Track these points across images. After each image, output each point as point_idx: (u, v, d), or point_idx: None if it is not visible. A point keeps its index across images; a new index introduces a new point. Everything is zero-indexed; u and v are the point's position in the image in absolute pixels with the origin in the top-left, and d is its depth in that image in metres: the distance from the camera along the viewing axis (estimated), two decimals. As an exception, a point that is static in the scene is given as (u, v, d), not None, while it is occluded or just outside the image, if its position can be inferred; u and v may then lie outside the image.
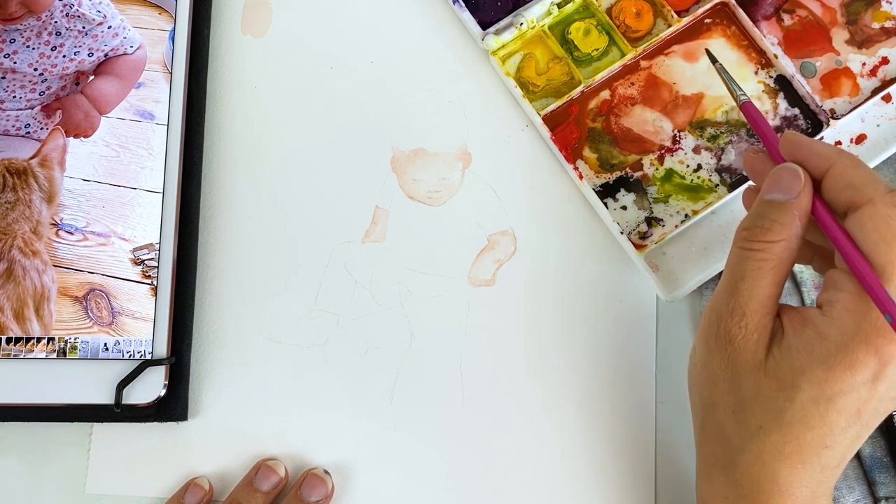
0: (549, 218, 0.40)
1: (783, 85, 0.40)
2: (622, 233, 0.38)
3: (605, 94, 0.41)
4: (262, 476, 0.36)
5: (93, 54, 0.41)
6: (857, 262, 0.28)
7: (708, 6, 0.41)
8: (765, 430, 0.29)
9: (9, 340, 0.37)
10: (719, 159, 0.40)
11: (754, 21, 0.41)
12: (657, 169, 0.40)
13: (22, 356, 0.37)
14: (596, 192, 0.39)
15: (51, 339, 0.37)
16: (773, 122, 0.40)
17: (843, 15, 0.41)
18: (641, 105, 0.41)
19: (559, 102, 0.40)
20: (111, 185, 0.39)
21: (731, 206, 0.39)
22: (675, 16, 0.41)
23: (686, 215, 0.39)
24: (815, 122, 0.40)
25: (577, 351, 0.39)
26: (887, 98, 0.40)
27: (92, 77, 0.41)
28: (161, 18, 0.41)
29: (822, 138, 0.39)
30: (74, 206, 0.39)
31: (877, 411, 0.29)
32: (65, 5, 0.41)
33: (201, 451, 0.38)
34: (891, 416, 0.37)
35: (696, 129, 0.40)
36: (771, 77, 0.40)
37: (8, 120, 0.40)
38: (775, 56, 0.40)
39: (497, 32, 0.40)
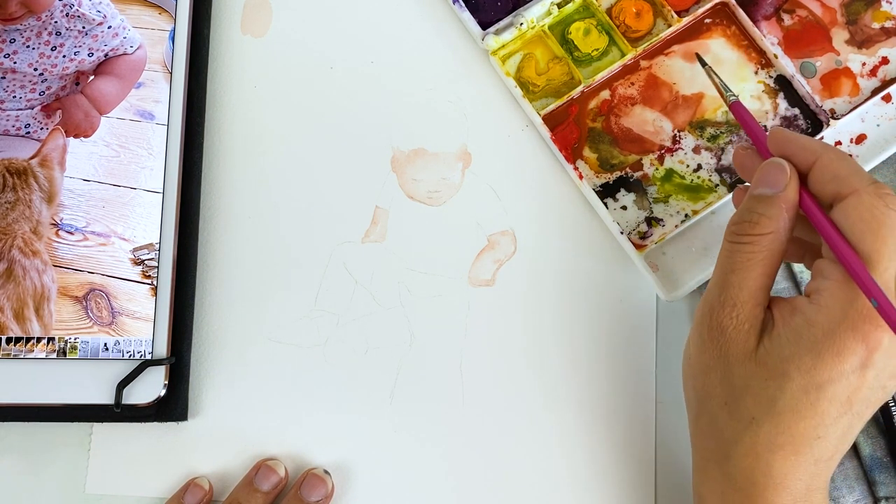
0: (549, 218, 0.40)
1: (783, 85, 0.40)
2: (622, 233, 0.38)
3: (605, 94, 0.41)
4: (262, 476, 0.36)
5: (93, 54, 0.41)
6: (843, 249, 0.28)
7: (708, 6, 0.41)
8: (757, 421, 0.29)
9: (9, 340, 0.37)
10: (719, 159, 0.40)
11: (754, 21, 0.41)
12: (657, 169, 0.40)
13: (22, 356, 0.37)
14: (596, 192, 0.39)
15: (51, 339, 0.37)
16: (773, 122, 0.40)
17: (843, 15, 0.41)
18: (641, 105, 0.41)
19: (559, 102, 0.40)
20: (111, 185, 0.39)
21: (731, 206, 0.39)
22: (675, 16, 0.41)
23: (686, 215, 0.39)
24: (815, 122, 0.40)
25: (577, 351, 0.39)
26: (887, 98, 0.40)
27: (92, 77, 0.41)
28: (161, 18, 0.41)
29: (822, 138, 0.39)
30: (74, 206, 0.39)
31: (868, 400, 0.29)
32: (65, 5, 0.41)
33: (201, 451, 0.38)
34: (891, 416, 0.37)
35: (696, 129, 0.40)
36: (771, 77, 0.40)
37: (8, 120, 0.40)
38: (775, 56, 0.40)
39: (497, 32, 0.40)
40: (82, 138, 0.40)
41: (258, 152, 0.41)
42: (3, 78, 0.40)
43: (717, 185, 0.39)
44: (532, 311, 0.39)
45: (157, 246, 0.38)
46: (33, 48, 0.41)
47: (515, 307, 0.39)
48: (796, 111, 0.40)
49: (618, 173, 0.40)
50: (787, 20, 0.41)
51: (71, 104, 0.40)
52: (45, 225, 0.39)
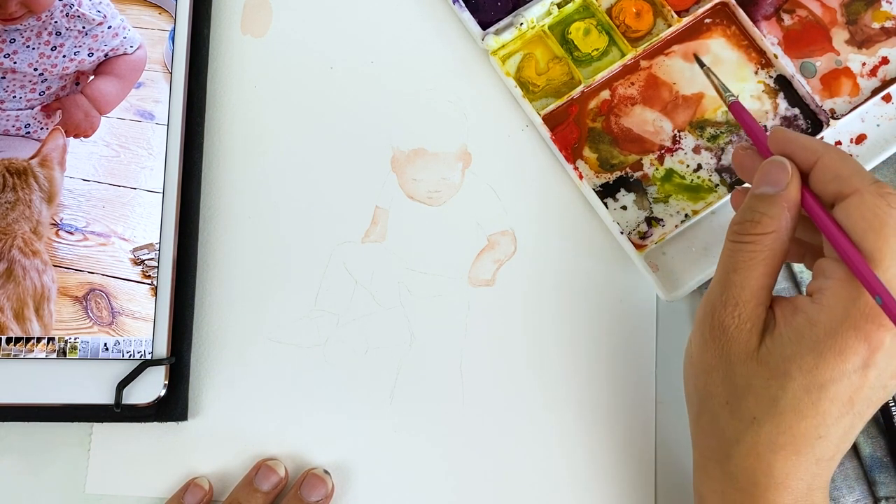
0: (549, 218, 0.40)
1: (783, 85, 0.40)
2: (622, 233, 0.38)
3: (605, 94, 0.41)
4: (262, 476, 0.36)
5: (93, 54, 0.41)
6: (846, 247, 0.28)
7: (708, 6, 0.41)
8: (758, 421, 0.29)
9: (9, 340, 0.37)
10: (719, 159, 0.40)
11: (754, 21, 0.41)
12: (657, 169, 0.40)
13: (22, 356, 0.37)
14: (596, 192, 0.39)
15: (51, 339, 0.37)
16: (773, 122, 0.40)
17: (843, 15, 0.41)
18: (641, 105, 0.41)
19: (559, 102, 0.40)
20: (111, 185, 0.39)
21: (731, 205, 0.39)
22: (675, 16, 0.41)
23: (686, 215, 0.39)
24: (815, 122, 0.40)
25: (577, 351, 0.39)
26: (887, 98, 0.40)
27: (92, 77, 0.41)
28: (161, 18, 0.41)
29: (822, 138, 0.39)
30: (74, 206, 0.39)
31: (869, 400, 0.29)
32: (65, 5, 0.41)
33: (201, 451, 0.38)
34: (891, 416, 0.37)
35: (696, 129, 0.40)
36: (771, 77, 0.40)
37: (8, 120, 0.40)
38: (775, 56, 0.40)
39: (497, 32, 0.40)
40: (82, 138, 0.40)
41: (258, 152, 0.41)
42: (3, 78, 0.40)
43: (717, 185, 0.39)
44: (532, 311, 0.39)
45: (157, 246, 0.38)
46: (33, 48, 0.41)
47: (515, 307, 0.39)
48: (796, 111, 0.40)
49: (618, 173, 0.40)
50: (787, 20, 0.41)
51: (71, 104, 0.40)
52: (45, 225, 0.39)
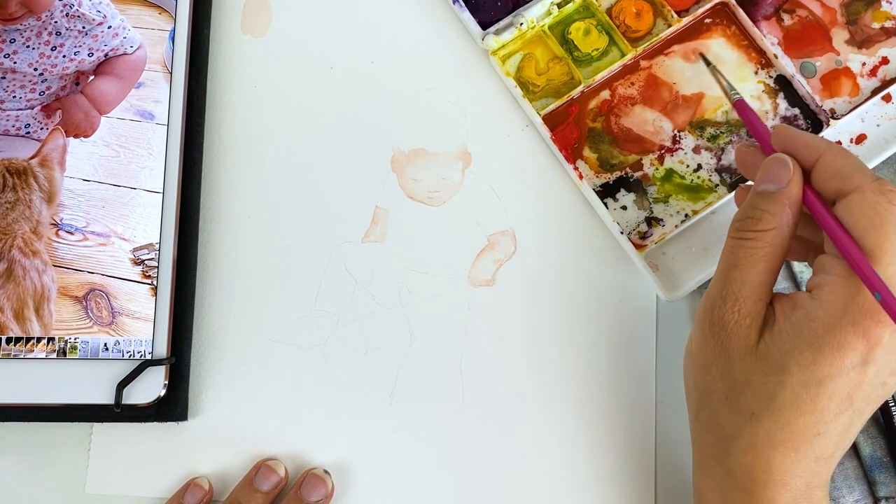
0: (549, 218, 0.40)
1: (783, 85, 0.40)
2: (622, 233, 0.38)
3: (605, 94, 0.41)
4: (262, 476, 0.36)
5: (93, 54, 0.41)
6: (846, 243, 0.28)
7: (708, 6, 0.41)
8: (757, 417, 0.29)
9: (9, 340, 0.37)
10: (719, 159, 0.40)
11: (754, 21, 0.41)
12: (657, 169, 0.40)
13: (22, 356, 0.37)
14: (596, 192, 0.39)
15: (51, 339, 0.37)
16: (774, 122, 0.40)
17: (843, 15, 0.41)
18: (641, 105, 0.41)
19: (559, 102, 0.40)
20: (111, 185, 0.39)
21: (731, 206, 0.39)
22: (675, 16, 0.41)
23: (686, 215, 0.39)
24: (815, 122, 0.40)
25: (577, 351, 0.39)
26: (887, 98, 0.40)
27: (92, 77, 0.41)
28: (161, 18, 0.41)
29: (824, 138, 0.39)
30: (74, 206, 0.39)
31: (868, 398, 0.29)
32: (65, 5, 0.41)
33: (201, 451, 0.38)
34: (891, 416, 0.37)
35: (696, 129, 0.40)
36: (771, 77, 0.40)
37: (8, 120, 0.40)
38: (775, 56, 0.40)
39: (497, 32, 0.40)
40: (82, 138, 0.40)
41: (258, 152, 0.41)
42: (3, 78, 0.40)
43: (717, 185, 0.39)
44: (532, 311, 0.39)
45: (157, 246, 0.38)
46: (33, 48, 0.41)
47: (515, 307, 0.39)
48: (796, 111, 0.40)
49: (618, 173, 0.40)
50: (787, 20, 0.41)
51: (71, 104, 0.40)
52: (45, 225, 0.39)
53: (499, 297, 0.39)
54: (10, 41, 0.41)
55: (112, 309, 0.38)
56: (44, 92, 0.40)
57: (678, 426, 0.38)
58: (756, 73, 0.41)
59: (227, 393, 0.39)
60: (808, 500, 0.29)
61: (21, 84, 0.40)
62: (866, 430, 0.37)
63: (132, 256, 0.38)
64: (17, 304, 0.38)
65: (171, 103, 0.40)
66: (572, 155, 0.40)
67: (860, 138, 0.39)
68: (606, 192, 0.40)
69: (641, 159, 0.40)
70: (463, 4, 0.41)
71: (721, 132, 0.40)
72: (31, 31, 0.41)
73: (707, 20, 0.41)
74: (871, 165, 0.39)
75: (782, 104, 0.40)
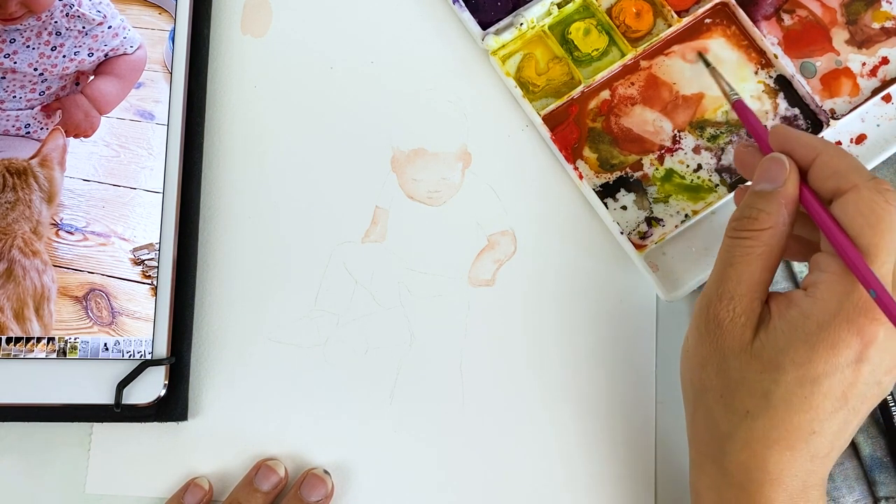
0: (549, 218, 0.40)
1: (783, 85, 0.40)
2: (622, 233, 0.38)
3: (605, 94, 0.41)
4: (262, 476, 0.36)
5: (93, 54, 0.41)
6: (841, 240, 0.28)
7: (708, 6, 0.41)
8: (751, 415, 0.29)
9: (9, 340, 0.37)
10: (719, 159, 0.40)
11: (754, 21, 0.41)
12: (657, 169, 0.40)
13: (22, 356, 0.37)
14: (596, 192, 0.39)
15: (51, 339, 0.37)
16: (774, 122, 0.40)
17: (843, 15, 0.41)
18: (641, 105, 0.41)
19: (559, 102, 0.40)
20: (111, 185, 0.39)
21: (731, 206, 0.39)
22: (675, 16, 0.41)
23: (686, 215, 0.39)
24: (815, 122, 0.40)
25: (577, 351, 0.39)
26: (887, 98, 0.40)
27: (92, 77, 0.41)
28: (161, 18, 0.41)
29: (822, 138, 0.39)
30: (74, 206, 0.39)
31: (863, 396, 0.29)
32: (65, 5, 0.41)
33: (201, 451, 0.38)
34: (891, 416, 0.37)
35: (696, 129, 0.40)
36: (771, 77, 0.40)
37: (8, 120, 0.40)
38: (775, 56, 0.40)
39: (497, 32, 0.40)
40: (82, 138, 0.40)
41: (258, 152, 0.41)
42: (3, 78, 0.40)
43: (717, 185, 0.39)
44: (532, 311, 0.39)
45: (157, 246, 0.38)
46: (33, 48, 0.41)
47: (515, 307, 0.39)
48: (796, 111, 0.40)
49: (618, 173, 0.40)
50: (787, 20, 0.41)
51: (71, 104, 0.40)
52: (45, 225, 0.39)
53: (499, 297, 0.39)
54: (10, 41, 0.41)
55: (112, 309, 0.38)
56: (44, 92, 0.40)
57: (678, 426, 0.38)
58: (756, 73, 0.41)
59: (227, 393, 0.39)
60: (804, 499, 0.29)
61: (21, 84, 0.40)
62: (866, 430, 0.37)
63: (132, 256, 0.38)
64: (17, 304, 0.38)
65: (171, 103, 0.40)
66: (572, 155, 0.40)
67: (860, 138, 0.39)
68: (606, 192, 0.40)
69: (641, 159, 0.40)
70: (463, 4, 0.41)
71: (721, 132, 0.40)
72: (31, 31, 0.41)
73: (707, 20, 0.41)
74: (871, 165, 0.39)
75: (782, 104, 0.40)
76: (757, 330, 0.30)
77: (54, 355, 0.37)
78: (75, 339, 0.37)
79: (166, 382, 0.37)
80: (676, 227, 0.39)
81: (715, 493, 0.31)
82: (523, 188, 0.41)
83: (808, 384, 0.28)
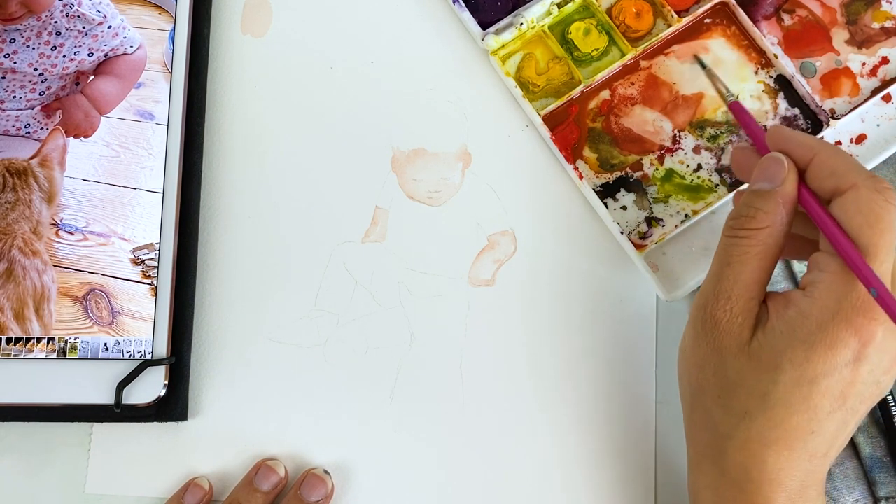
0: (549, 218, 0.40)
1: (783, 85, 0.40)
2: (622, 233, 0.38)
3: (605, 94, 0.41)
4: (262, 476, 0.36)
5: (93, 54, 0.41)
6: (840, 239, 0.28)
7: (708, 6, 0.41)
8: (750, 415, 0.29)
9: (9, 340, 0.37)
10: (719, 159, 0.40)
11: (754, 21, 0.41)
12: (657, 169, 0.40)
13: (22, 356, 0.37)
14: (596, 192, 0.39)
15: (51, 339, 0.37)
16: (773, 122, 0.40)
17: (843, 15, 0.41)
18: (641, 105, 0.41)
19: (559, 102, 0.40)
20: (111, 185, 0.39)
21: (731, 206, 0.39)
22: (675, 16, 0.41)
23: (686, 215, 0.39)
24: (815, 122, 0.40)
25: (577, 351, 0.39)
26: (887, 98, 0.40)
27: (92, 77, 0.41)
28: (161, 18, 0.41)
29: (822, 138, 0.39)
30: (74, 206, 0.39)
31: (862, 396, 0.29)
32: (65, 5, 0.41)
33: (201, 451, 0.38)
34: (891, 416, 0.37)
35: (696, 129, 0.40)
36: (771, 77, 0.40)
37: (8, 120, 0.40)
38: (775, 56, 0.40)
39: (497, 32, 0.40)
40: (82, 138, 0.40)
41: (258, 152, 0.41)
42: (3, 78, 0.40)
43: (717, 185, 0.39)
44: (532, 310, 0.39)
45: (157, 246, 0.38)
46: (33, 48, 0.41)
47: (515, 307, 0.39)
48: (796, 111, 0.40)
49: (618, 173, 0.40)
50: (787, 20, 0.41)
51: (71, 104, 0.40)
52: (45, 225, 0.39)
53: (499, 297, 0.39)
54: (10, 41, 0.41)
55: (112, 309, 0.38)
56: (44, 92, 0.40)
57: (678, 426, 0.38)
58: (756, 73, 0.41)
59: (227, 393, 0.39)
60: (803, 499, 0.29)
61: (21, 84, 0.40)
62: (866, 430, 0.37)
63: (132, 256, 0.38)
64: (17, 304, 0.38)
65: (171, 103, 0.40)
66: (572, 155, 0.40)
67: (860, 138, 0.39)
68: (606, 192, 0.40)
69: (641, 159, 0.40)
70: (463, 4, 0.41)
71: (721, 132, 0.40)
72: (31, 31, 0.41)
73: (707, 20, 0.41)
74: (871, 165, 0.39)
75: (782, 104, 0.40)
76: (755, 330, 0.30)
77: (54, 355, 0.37)
78: (75, 339, 0.37)
79: (166, 382, 0.37)
80: (676, 227, 0.39)
81: (713, 493, 0.31)
82: (523, 188, 0.41)
83: (807, 384, 0.28)
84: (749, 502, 0.30)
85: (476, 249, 0.40)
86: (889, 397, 0.37)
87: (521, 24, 0.41)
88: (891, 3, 0.41)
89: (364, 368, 0.39)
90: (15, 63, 0.40)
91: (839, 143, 0.39)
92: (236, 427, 0.38)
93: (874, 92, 0.40)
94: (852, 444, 0.37)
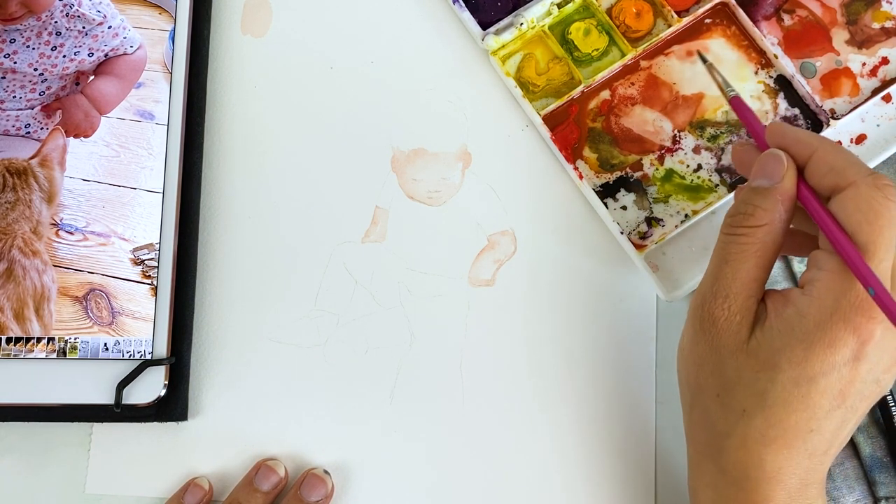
0: (549, 218, 0.40)
1: (783, 85, 0.40)
2: (622, 233, 0.38)
3: (605, 94, 0.41)
4: (262, 476, 0.36)
5: (93, 54, 0.41)
6: (839, 237, 0.28)
7: (708, 6, 0.41)
8: (748, 414, 0.29)
9: (9, 340, 0.37)
10: (719, 159, 0.40)
11: (754, 21, 0.41)
12: (657, 169, 0.40)
13: (22, 356, 0.37)
14: (596, 192, 0.39)
15: (51, 339, 0.37)
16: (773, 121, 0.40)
17: (843, 15, 0.41)
18: (641, 105, 0.41)
19: (559, 102, 0.40)
20: (111, 185, 0.39)
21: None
22: (675, 16, 0.41)
23: (686, 215, 0.39)
24: (815, 122, 0.40)
25: (577, 351, 0.39)
26: (887, 98, 0.40)
27: (92, 77, 0.41)
28: (161, 18, 0.41)
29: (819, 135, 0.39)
30: (74, 206, 0.39)
31: (861, 395, 0.29)
32: (65, 5, 0.41)
33: (201, 451, 0.38)
34: (891, 416, 0.37)
35: (696, 129, 0.40)
36: (771, 77, 0.40)
37: (8, 120, 0.40)
38: (775, 56, 0.40)
39: (497, 32, 0.40)
40: (82, 138, 0.40)
41: (258, 152, 0.41)
42: (3, 78, 0.40)
43: (717, 185, 0.39)
44: (532, 311, 0.39)
45: (157, 246, 0.38)
46: (33, 48, 0.41)
47: (515, 307, 0.39)
48: (796, 111, 0.40)
49: (618, 173, 0.40)
50: (787, 20, 0.41)
51: (71, 104, 0.40)
52: (45, 225, 0.39)
53: (499, 297, 0.39)
54: (10, 41, 0.41)
55: (112, 309, 0.38)
56: (44, 92, 0.40)
57: (678, 426, 0.38)
58: (756, 73, 0.41)
59: (227, 393, 0.39)
60: (802, 498, 0.29)
61: (21, 84, 0.40)
62: (866, 430, 0.37)
63: (132, 256, 0.38)
64: (17, 304, 0.38)
65: (171, 103, 0.40)
66: (572, 155, 0.40)
67: (860, 138, 0.39)
68: (606, 192, 0.40)
69: (641, 159, 0.40)
70: (463, 4, 0.41)
71: (721, 132, 0.40)
72: (31, 31, 0.41)
73: (707, 20, 0.41)
74: (871, 165, 0.39)
75: (782, 104, 0.40)
76: (753, 328, 0.30)
77: (54, 355, 0.37)
78: (75, 339, 0.37)
79: (166, 382, 0.37)
80: (676, 227, 0.39)
81: (713, 492, 0.31)
82: (523, 188, 0.41)
83: (805, 383, 0.28)
84: (748, 500, 0.29)
85: (476, 249, 0.40)
86: (889, 397, 0.37)
87: (521, 24, 0.41)
88: (891, 3, 0.41)
89: (364, 368, 0.39)
90: (15, 63, 0.40)
91: (839, 143, 0.39)
92: (236, 427, 0.38)
93: (874, 92, 0.40)
94: (852, 444, 0.37)
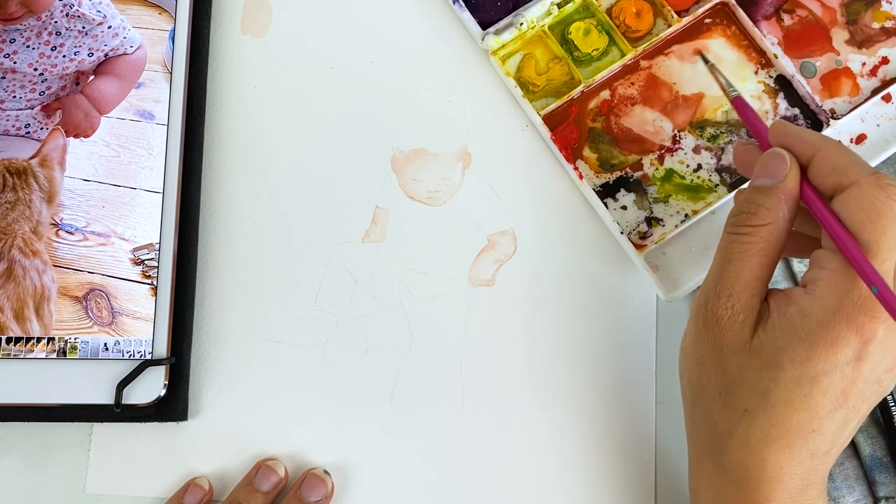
0: (549, 218, 0.40)
1: (783, 85, 0.40)
2: (622, 233, 0.38)
3: (605, 94, 0.41)
4: (262, 476, 0.36)
5: (93, 54, 0.41)
6: (842, 236, 0.28)
7: (708, 6, 0.41)
8: (750, 413, 0.29)
9: (9, 340, 0.37)
10: (719, 159, 0.40)
11: (754, 21, 0.41)
12: (657, 169, 0.40)
13: (22, 356, 0.37)
14: (596, 192, 0.39)
15: (51, 339, 0.37)
16: (773, 121, 0.40)
17: (843, 15, 0.41)
18: (641, 105, 0.41)
19: (559, 102, 0.40)
20: (111, 185, 0.39)
21: (731, 206, 0.39)
22: (675, 16, 0.41)
23: (686, 215, 0.39)
24: (815, 122, 0.40)
25: (577, 351, 0.39)
26: (887, 98, 0.40)
27: (92, 77, 0.41)
28: (161, 18, 0.41)
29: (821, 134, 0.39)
30: (74, 206, 0.39)
31: (864, 395, 0.29)
32: (65, 5, 0.41)
33: (201, 451, 0.38)
34: (891, 416, 0.37)
35: (696, 129, 0.40)
36: (771, 77, 0.40)
37: (8, 120, 0.40)
38: (775, 56, 0.40)
39: (497, 32, 0.40)
40: (82, 138, 0.40)
41: (258, 152, 0.41)
42: (3, 78, 0.40)
43: (717, 185, 0.39)
44: (532, 311, 0.39)
45: (157, 246, 0.38)
46: (33, 48, 0.41)
47: (515, 307, 0.39)
48: (796, 111, 0.40)
49: (618, 173, 0.40)
50: (787, 20, 0.41)
51: (71, 104, 0.40)
52: (45, 225, 0.39)
53: (499, 297, 0.39)
54: (10, 41, 0.41)
55: (112, 309, 0.38)
56: (44, 92, 0.40)
57: (678, 426, 0.38)
58: (756, 73, 0.41)
59: (227, 393, 0.39)
60: (803, 498, 0.29)
61: (21, 84, 0.40)
62: (866, 429, 0.37)
63: (132, 256, 0.38)
64: (17, 304, 0.38)
65: (171, 103, 0.40)
66: (572, 155, 0.40)
67: (860, 138, 0.39)
68: (606, 192, 0.40)
69: (641, 159, 0.40)
70: (463, 4, 0.41)
71: (721, 132, 0.40)
72: (31, 31, 0.41)
73: (707, 20, 0.41)
74: (871, 165, 0.39)
75: (782, 104, 0.40)
76: (756, 327, 0.30)
77: (54, 355, 0.37)
78: (75, 339, 0.37)
79: (166, 382, 0.37)
80: (676, 226, 0.39)
81: (713, 492, 0.31)
82: (523, 188, 0.41)
83: (807, 382, 0.28)
84: (749, 500, 0.29)
85: (476, 249, 0.40)
86: (889, 397, 0.37)
87: (521, 24, 0.41)
88: (891, 3, 0.41)
89: (364, 368, 0.39)
90: (15, 63, 0.40)
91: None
92: (236, 427, 0.38)
93: (874, 92, 0.40)
94: (852, 444, 0.37)
